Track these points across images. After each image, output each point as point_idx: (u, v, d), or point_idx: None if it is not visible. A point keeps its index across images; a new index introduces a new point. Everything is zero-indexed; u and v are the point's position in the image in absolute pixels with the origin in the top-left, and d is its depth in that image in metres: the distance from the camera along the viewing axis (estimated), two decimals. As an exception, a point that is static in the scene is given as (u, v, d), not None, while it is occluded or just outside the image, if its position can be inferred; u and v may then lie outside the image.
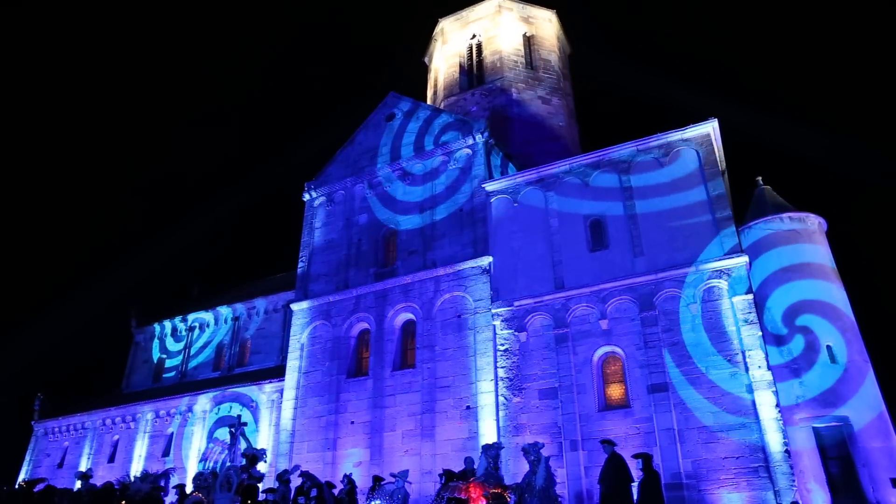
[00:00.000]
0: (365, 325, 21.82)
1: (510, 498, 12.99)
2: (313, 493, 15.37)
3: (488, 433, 17.60)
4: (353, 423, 20.19)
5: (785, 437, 14.45)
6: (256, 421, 23.35)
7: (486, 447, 14.70)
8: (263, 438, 22.65)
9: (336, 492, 16.14)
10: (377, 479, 15.61)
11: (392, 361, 20.61)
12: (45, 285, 67.33)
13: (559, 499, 13.88)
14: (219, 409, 24.69)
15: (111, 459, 26.94)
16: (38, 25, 66.94)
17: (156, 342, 31.58)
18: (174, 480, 20.49)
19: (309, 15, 77.43)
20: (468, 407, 18.43)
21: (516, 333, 18.58)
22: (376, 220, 23.28)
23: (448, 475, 14.11)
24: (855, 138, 53.83)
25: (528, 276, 19.17)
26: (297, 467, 17.16)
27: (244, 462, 15.59)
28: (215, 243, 75.51)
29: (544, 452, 14.97)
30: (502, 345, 18.72)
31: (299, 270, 24.12)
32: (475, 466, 14.88)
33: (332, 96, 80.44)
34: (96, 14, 71.63)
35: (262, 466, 16.22)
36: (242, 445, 21.97)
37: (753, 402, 14.92)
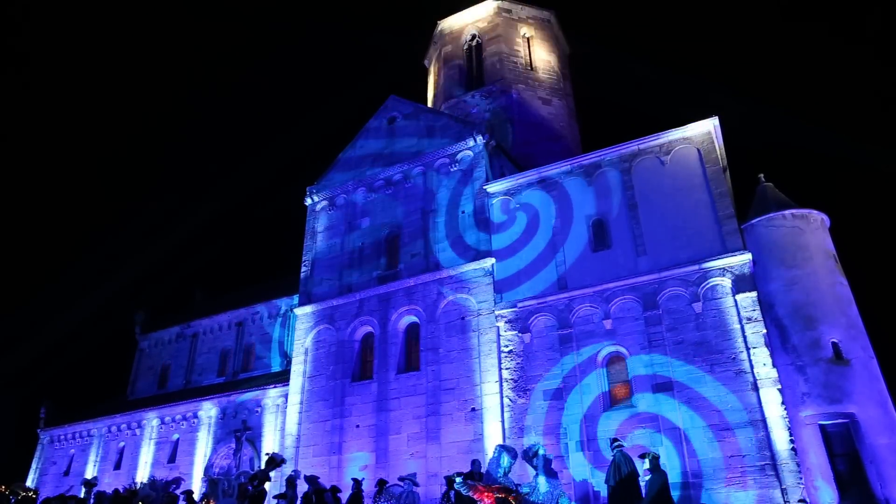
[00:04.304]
0: (369, 329, 21.83)
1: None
2: (314, 498, 15.36)
3: (494, 435, 17.59)
4: (358, 426, 20.18)
5: (791, 434, 14.42)
6: (261, 426, 23.36)
7: (505, 449, 14.65)
8: (269, 443, 22.66)
9: (343, 496, 16.13)
10: (381, 483, 15.60)
11: (396, 364, 20.61)
12: (49, 293, 67.46)
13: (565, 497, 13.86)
14: (224, 414, 24.71)
15: (117, 466, 26.98)
16: (39, 26, 67.20)
17: (160, 348, 31.62)
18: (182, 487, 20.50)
19: (308, 19, 77.61)
20: (473, 409, 18.42)
21: (520, 334, 18.57)
22: (378, 224, 23.29)
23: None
24: (857, 134, 53.79)
25: (531, 277, 19.16)
26: (297, 472, 17.14)
27: (263, 465, 15.56)
28: (218, 249, 75.63)
29: (550, 453, 14.94)
30: (506, 346, 18.71)
31: (302, 275, 24.15)
32: (482, 469, 14.85)
33: (334, 100, 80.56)
34: (99, 15, 71.88)
35: (275, 474, 16.19)
36: (248, 451, 22.03)
37: (759, 400, 14.89)
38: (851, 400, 15.17)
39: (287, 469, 19.63)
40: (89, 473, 26.09)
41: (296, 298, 24.59)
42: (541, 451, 13.93)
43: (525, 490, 13.52)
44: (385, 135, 24.99)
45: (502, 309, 19.08)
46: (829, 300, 16.45)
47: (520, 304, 18.84)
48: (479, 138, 22.03)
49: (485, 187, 21.13)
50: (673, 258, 17.23)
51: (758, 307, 15.88)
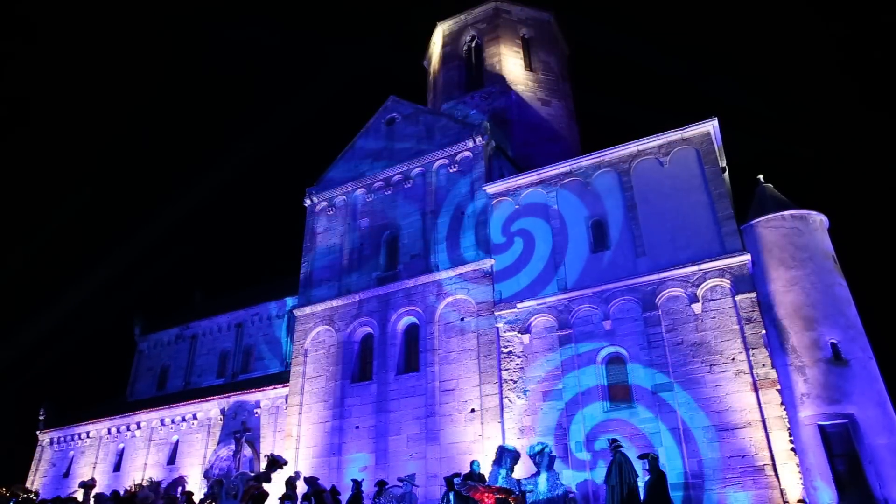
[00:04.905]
0: (368, 330, 21.83)
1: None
2: (312, 500, 15.37)
3: (493, 436, 17.59)
4: (357, 427, 20.19)
5: (790, 435, 14.44)
6: (261, 427, 23.35)
7: (507, 450, 14.68)
8: (268, 445, 22.65)
9: (342, 497, 16.13)
10: (381, 484, 15.62)
11: (396, 365, 20.61)
12: (49, 295, 67.46)
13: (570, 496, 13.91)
14: (223, 416, 24.70)
15: (117, 468, 26.98)
16: (53, 27, 67.20)
17: (159, 350, 31.62)
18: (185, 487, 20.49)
19: (309, 19, 77.65)
20: (473, 410, 18.42)
21: (520, 335, 18.58)
22: (378, 225, 23.31)
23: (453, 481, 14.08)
24: (857, 135, 53.86)
25: (530, 278, 19.17)
26: (297, 474, 17.15)
27: (264, 467, 15.56)
28: (218, 250, 75.64)
29: (553, 453, 14.98)
30: (506, 347, 18.72)
31: (302, 276, 24.15)
32: (480, 470, 14.88)
33: (333, 100, 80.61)
34: (101, 14, 71.90)
35: (276, 476, 16.17)
36: (247, 452, 22.05)
37: (758, 401, 14.91)
38: (850, 400, 15.19)
39: (288, 470, 19.64)
40: (88, 475, 26.07)
41: (295, 299, 24.59)
42: (546, 450, 13.97)
43: (528, 488, 13.57)
44: (384, 135, 25.01)
45: (502, 310, 19.09)
46: (828, 301, 16.47)
47: (519, 305, 18.85)
48: (479, 139, 22.05)
49: (484, 188, 21.15)
50: (672, 259, 17.25)
51: (757, 308, 15.90)
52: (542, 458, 13.98)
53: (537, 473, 14.05)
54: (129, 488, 23.48)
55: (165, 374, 30.69)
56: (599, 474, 15.42)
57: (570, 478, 15.96)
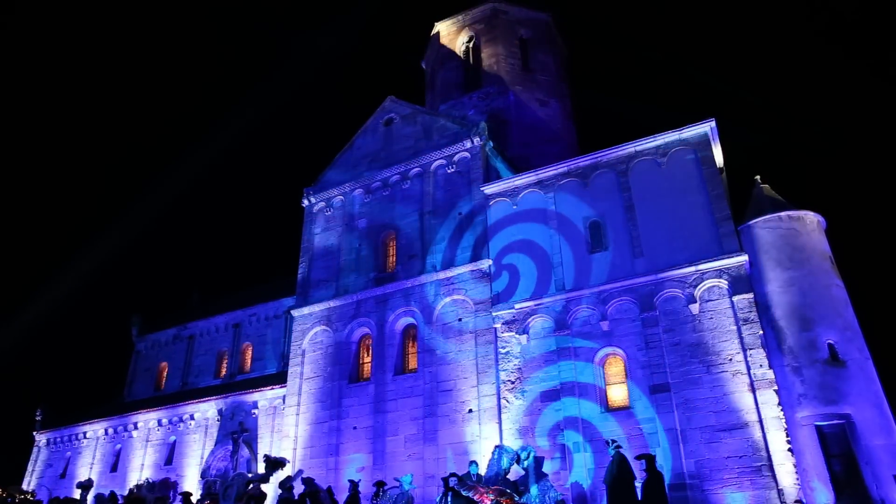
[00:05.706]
0: (366, 330, 21.82)
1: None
2: (308, 501, 15.38)
3: (491, 436, 17.59)
4: (355, 428, 20.17)
5: (787, 435, 14.46)
6: (258, 428, 23.33)
7: (504, 450, 14.68)
8: (266, 445, 22.62)
9: (340, 498, 16.12)
10: (380, 485, 15.63)
11: (393, 366, 20.60)
12: (46, 295, 67.29)
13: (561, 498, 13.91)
14: (221, 416, 24.66)
15: (114, 469, 26.92)
16: (61, 27, 67.07)
17: (157, 350, 31.58)
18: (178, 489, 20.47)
19: (307, 20, 77.61)
20: (470, 410, 18.41)
21: (517, 336, 18.57)
22: (376, 225, 23.29)
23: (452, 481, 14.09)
24: (855, 136, 53.96)
25: (528, 279, 19.17)
26: (300, 472, 17.18)
27: (263, 468, 15.57)
28: (216, 251, 75.52)
29: (548, 454, 15.00)
30: (503, 347, 18.71)
31: (299, 276, 24.13)
32: (479, 471, 14.89)
33: (332, 101, 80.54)
34: (103, 17, 71.77)
35: (276, 476, 16.16)
36: (245, 453, 22.04)
37: (755, 401, 14.92)
38: (847, 401, 15.22)
39: (288, 471, 19.62)
40: (85, 476, 26.02)
41: (293, 300, 24.57)
42: (532, 454, 13.99)
43: (522, 489, 13.58)
44: (382, 136, 25.00)
45: (500, 310, 19.08)
46: (825, 302, 16.50)
47: (517, 306, 18.85)
48: (477, 140, 22.04)
49: (482, 189, 21.14)
50: (670, 260, 17.26)
51: (754, 309, 15.92)
52: (529, 463, 14.01)
53: (526, 475, 14.08)
54: (132, 489, 23.48)
55: (163, 374, 30.67)
56: (597, 474, 15.45)
57: (567, 478, 15.98)
